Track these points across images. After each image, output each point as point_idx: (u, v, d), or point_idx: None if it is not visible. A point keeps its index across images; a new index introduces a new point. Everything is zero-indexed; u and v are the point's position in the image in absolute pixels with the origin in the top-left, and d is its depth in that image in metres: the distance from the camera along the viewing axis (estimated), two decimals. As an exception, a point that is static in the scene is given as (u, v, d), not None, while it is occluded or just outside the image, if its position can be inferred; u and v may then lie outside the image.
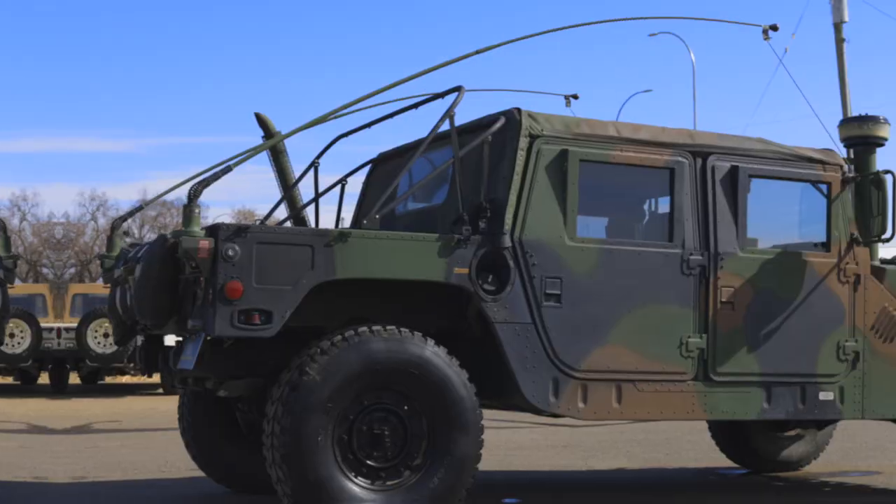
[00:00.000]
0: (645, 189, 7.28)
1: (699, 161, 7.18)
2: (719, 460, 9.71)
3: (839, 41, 24.79)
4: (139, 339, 7.82)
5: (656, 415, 7.07)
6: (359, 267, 6.34)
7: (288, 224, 8.16)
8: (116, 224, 8.17)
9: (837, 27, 24.77)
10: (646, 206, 7.44)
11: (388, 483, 6.36)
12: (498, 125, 6.81)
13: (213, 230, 6.14)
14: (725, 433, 9.47)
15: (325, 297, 6.51)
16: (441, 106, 6.85)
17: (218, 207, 73.19)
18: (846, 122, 8.04)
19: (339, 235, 6.30)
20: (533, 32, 7.56)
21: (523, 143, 6.76)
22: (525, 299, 6.65)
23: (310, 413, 6.16)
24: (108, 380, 21.77)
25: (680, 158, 7.11)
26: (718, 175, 7.20)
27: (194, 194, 6.25)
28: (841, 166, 7.57)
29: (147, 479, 8.84)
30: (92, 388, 20.91)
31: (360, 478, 6.30)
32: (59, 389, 18.62)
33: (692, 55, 39.73)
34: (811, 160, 7.50)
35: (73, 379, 20.59)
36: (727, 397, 7.17)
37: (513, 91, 9.90)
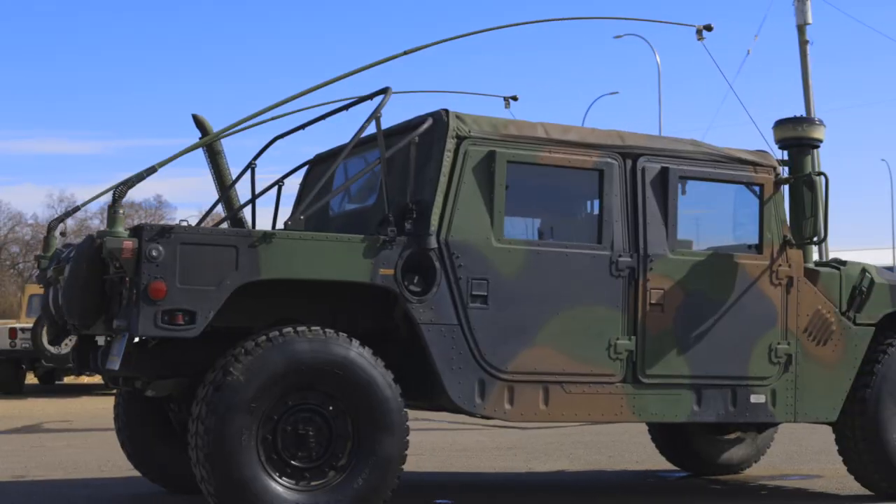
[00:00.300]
0: (574, 190, 7.27)
1: (629, 162, 7.18)
2: (663, 463, 9.72)
3: (803, 43, 24.94)
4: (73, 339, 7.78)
5: (584, 417, 7.07)
6: (283, 268, 6.31)
7: (225, 225, 8.13)
8: (52, 225, 8.13)
9: (801, 29, 24.92)
10: (575, 208, 7.43)
11: (313, 483, 6.35)
12: (425, 126, 6.80)
13: (137, 231, 6.12)
14: (665, 436, 9.47)
15: (253, 297, 6.49)
16: (373, 107, 6.83)
17: (186, 209, 73.10)
18: (780, 123, 8.06)
19: (264, 236, 6.28)
20: (467, 32, 7.56)
21: (450, 144, 6.75)
22: (451, 300, 6.64)
23: (233, 413, 6.13)
24: (68, 380, 21.64)
25: (609, 160, 7.11)
26: (648, 176, 7.21)
27: (118, 195, 6.22)
28: (774, 168, 7.58)
29: (85, 478, 8.80)
30: (50, 388, 20.78)
31: (284, 478, 6.28)
32: (14, 389, 18.50)
33: (658, 57, 39.83)
34: (744, 162, 7.51)
35: (32, 379, 20.50)
36: (656, 399, 7.17)
37: (451, 92, 9.82)
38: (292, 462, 6.32)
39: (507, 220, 6.91)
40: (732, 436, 9.38)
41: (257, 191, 8.16)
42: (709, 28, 7.59)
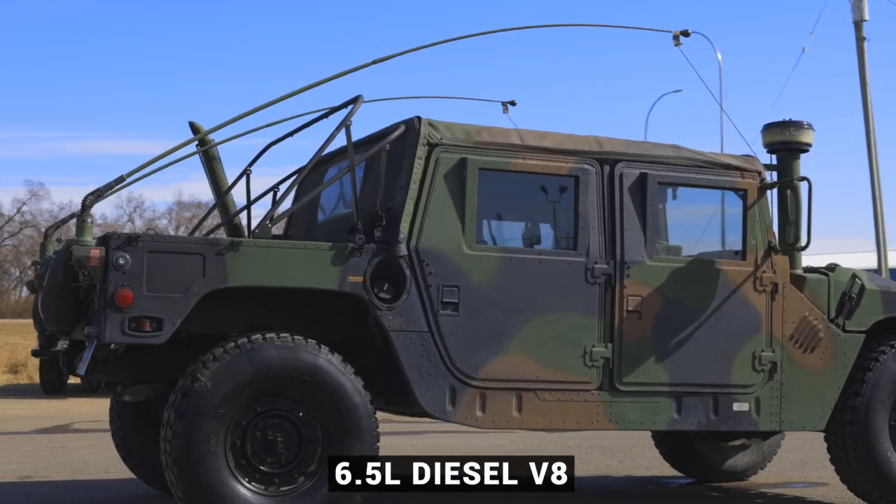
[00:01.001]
0: (549, 197, 7.22)
1: (606, 168, 7.13)
2: (672, 470, 9.63)
3: (859, 40, 24.57)
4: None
5: (559, 424, 7.04)
6: (250, 275, 6.37)
7: (221, 231, 8.23)
8: (49, 231, 8.28)
9: (858, 25, 24.54)
10: (550, 215, 7.39)
11: (283, 489, 6.40)
12: (396, 133, 6.82)
13: (105, 239, 6.21)
14: (668, 442, 9.41)
15: (228, 305, 6.57)
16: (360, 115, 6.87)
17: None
18: (768, 127, 7.94)
19: (231, 244, 6.35)
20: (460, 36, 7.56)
21: (421, 151, 6.75)
22: (421, 307, 6.65)
23: (201, 419, 6.21)
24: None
25: (585, 166, 7.07)
26: (627, 182, 7.16)
27: (87, 205, 6.32)
28: (759, 173, 7.49)
29: (88, 479, 8.95)
30: (91, 389, 21.00)
31: (253, 483, 6.34)
32: (56, 389, 18.77)
33: (719, 56, 39.43)
34: (727, 167, 7.43)
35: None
36: (634, 407, 7.12)
37: (451, 98, 9.84)
38: (261, 467, 6.38)
39: (482, 227, 6.92)
40: (737, 442, 9.29)
41: (252, 197, 8.25)
42: (686, 34, 7.51)
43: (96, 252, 6.14)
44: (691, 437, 9.14)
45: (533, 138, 7.06)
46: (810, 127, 7.90)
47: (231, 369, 6.27)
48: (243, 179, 8.18)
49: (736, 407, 7.35)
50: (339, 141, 6.91)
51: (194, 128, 8.21)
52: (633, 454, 11.02)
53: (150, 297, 6.19)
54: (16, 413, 15.62)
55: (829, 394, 7.59)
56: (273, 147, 8.24)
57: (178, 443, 6.20)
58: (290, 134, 7.92)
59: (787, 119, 7.85)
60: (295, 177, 7.68)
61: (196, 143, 8.01)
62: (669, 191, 7.54)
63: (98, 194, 6.40)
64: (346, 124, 6.69)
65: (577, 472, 9.58)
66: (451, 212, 6.76)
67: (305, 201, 7.12)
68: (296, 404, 6.43)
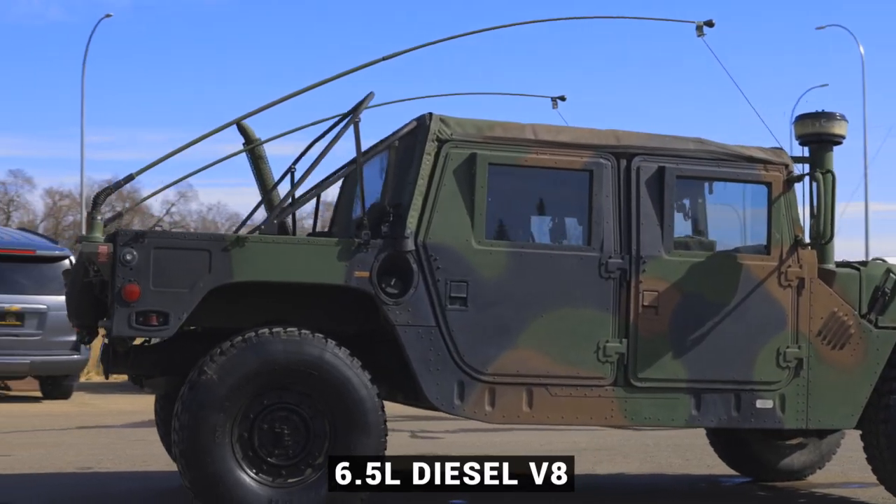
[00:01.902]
0: (563, 192, 7.20)
1: (623, 163, 7.06)
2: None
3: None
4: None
5: (572, 420, 7.01)
6: (255, 270, 6.50)
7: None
8: (99, 199, 8.43)
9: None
10: (564, 210, 7.35)
11: (290, 480, 6.52)
12: (407, 129, 6.89)
13: (113, 236, 6.41)
14: (722, 441, 9.25)
15: (243, 300, 6.72)
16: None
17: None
18: (800, 118, 7.74)
19: (236, 240, 6.49)
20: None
21: (431, 147, 6.79)
22: (429, 302, 6.70)
23: (206, 411, 6.37)
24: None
25: (600, 160, 7.01)
26: (644, 176, 7.08)
27: (98, 202, 6.54)
28: (786, 166, 7.32)
29: (143, 471, 9.21)
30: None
31: (261, 474, 6.47)
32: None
33: (861, 49, 38.51)
34: (752, 160, 7.28)
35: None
36: (650, 403, 7.05)
37: (498, 94, 9.93)
38: (269, 459, 6.51)
39: (493, 222, 6.93)
40: (794, 441, 9.09)
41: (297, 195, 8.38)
42: (710, 24, 7.36)
43: (104, 248, 6.34)
44: (746, 436, 8.97)
45: (548, 133, 7.04)
46: (843, 118, 7.68)
47: (236, 363, 6.41)
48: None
49: (759, 404, 7.21)
50: (373, 137, 7.00)
51: (242, 128, 8.39)
52: (699, 452, 10.84)
53: (156, 291, 6.37)
54: (119, 408, 16.12)
55: (860, 392, 7.38)
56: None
57: (184, 434, 6.37)
58: (323, 135, 8.01)
59: (820, 111, 7.65)
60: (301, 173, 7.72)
61: (244, 142, 8.21)
62: (706, 185, 7.42)
63: (108, 192, 6.62)
64: (354, 121, 6.77)
65: (634, 471, 9.56)
66: (461, 207, 6.79)
67: (309, 199, 7.19)
68: (303, 398, 6.54)
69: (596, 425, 7.22)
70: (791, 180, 7.30)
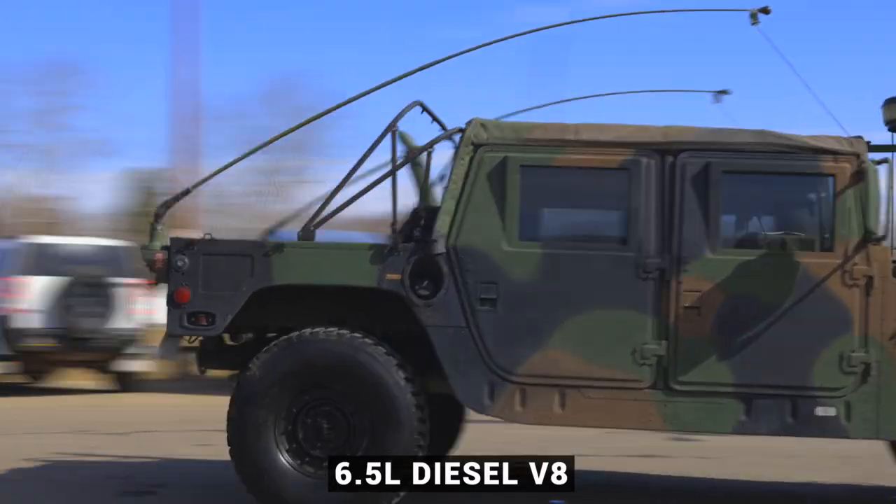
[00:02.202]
0: (600, 191, 7.04)
1: (669, 159, 6.84)
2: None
3: None
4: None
5: (607, 423, 6.90)
6: (293, 274, 6.95)
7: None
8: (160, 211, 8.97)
9: None
10: (601, 209, 7.19)
11: None
12: (443, 136, 7.07)
13: (169, 244, 7.08)
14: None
15: (306, 301, 7.21)
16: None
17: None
18: (889, 102, 7.09)
19: (276, 246, 6.96)
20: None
21: (465, 151, 6.93)
22: (459, 303, 6.84)
23: (249, 405, 6.91)
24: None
25: (641, 158, 6.84)
26: (690, 173, 6.82)
27: (158, 214, 7.21)
28: (857, 155, 6.78)
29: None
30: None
31: (304, 466, 6.93)
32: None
33: None
34: (818, 150, 6.81)
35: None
36: (692, 408, 6.79)
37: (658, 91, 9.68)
38: (311, 452, 6.95)
39: (527, 222, 6.95)
40: None
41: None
42: (766, 11, 6.93)
43: (160, 255, 7.02)
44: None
45: (590, 132, 6.96)
46: None
47: (276, 361, 6.91)
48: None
49: (820, 412, 6.74)
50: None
51: (402, 137, 8.68)
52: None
53: (204, 294, 6.97)
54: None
55: None
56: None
57: (232, 426, 6.94)
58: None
59: (903, 95, 7.00)
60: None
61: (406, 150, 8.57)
62: (771, 179, 7.02)
63: (168, 205, 7.29)
64: (392, 129, 7.04)
65: (830, 481, 9.04)
66: (493, 210, 6.87)
67: (346, 206, 7.49)
68: (342, 395, 6.91)
69: (633, 428, 7.01)
70: (861, 172, 6.76)
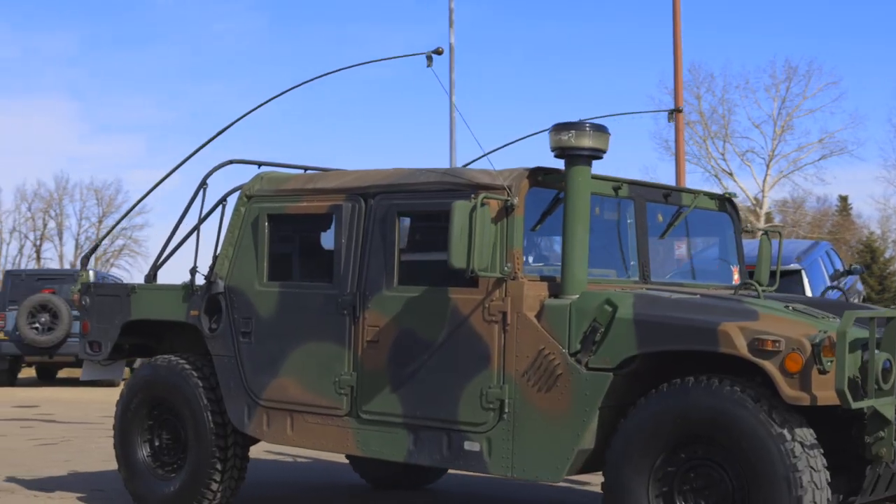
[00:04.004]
0: (317, 235, 7.67)
1: (369, 203, 7.31)
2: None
3: None
4: None
5: (320, 446, 7.53)
6: (139, 311, 8.49)
7: None
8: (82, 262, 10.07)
9: None
10: (319, 250, 7.72)
11: None
12: (232, 190, 8.16)
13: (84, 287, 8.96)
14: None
15: (156, 330, 8.75)
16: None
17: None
18: (556, 128, 6.66)
19: (132, 288, 8.57)
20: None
21: (241, 202, 8.00)
22: (231, 336, 7.92)
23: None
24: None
25: (346, 203, 7.38)
26: (378, 215, 7.25)
27: (83, 263, 9.10)
28: (508, 189, 6.69)
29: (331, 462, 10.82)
30: None
31: None
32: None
33: None
34: (470, 186, 6.85)
35: None
36: (376, 436, 7.21)
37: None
38: None
39: (276, 264, 7.81)
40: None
41: None
42: (439, 52, 6.90)
43: (76, 296, 8.94)
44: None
45: (314, 181, 7.70)
46: (595, 129, 6.56)
47: None
48: None
49: (467, 446, 6.80)
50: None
51: None
52: None
53: (96, 327, 8.76)
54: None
55: (567, 441, 6.41)
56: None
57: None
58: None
59: (577, 121, 6.64)
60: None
61: None
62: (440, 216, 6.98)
63: (90, 253, 9.13)
64: (202, 186, 8.29)
65: None
66: (251, 254, 7.86)
67: (174, 251, 8.66)
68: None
69: (338, 452, 7.42)
70: (508, 207, 6.68)
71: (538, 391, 6.54)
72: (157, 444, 8.42)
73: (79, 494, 9.33)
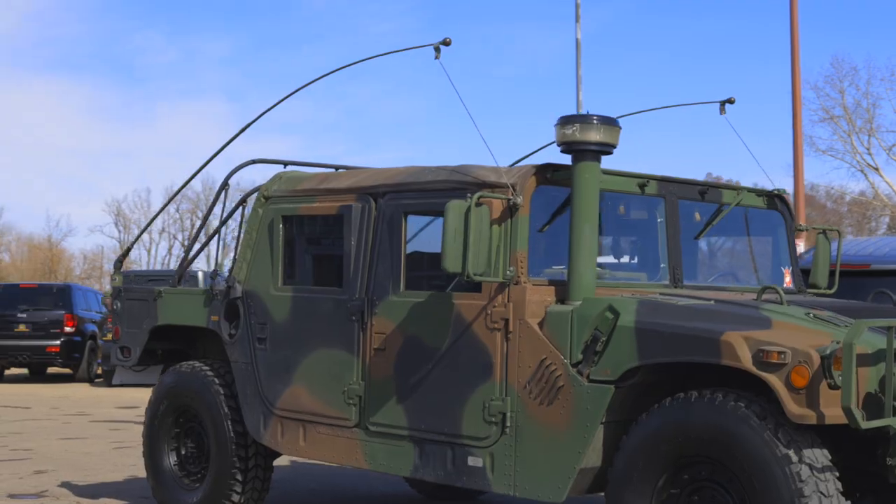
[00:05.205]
0: (330, 237, 7.27)
1: (378, 203, 6.94)
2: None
3: None
4: None
5: (332, 458, 7.19)
6: (165, 316, 8.26)
7: None
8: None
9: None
10: (331, 253, 7.31)
11: None
12: (251, 191, 7.86)
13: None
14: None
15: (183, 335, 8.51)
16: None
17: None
18: (562, 121, 6.16)
19: (159, 293, 8.34)
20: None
21: (258, 203, 7.69)
22: (248, 342, 7.63)
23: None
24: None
25: (354, 203, 7.02)
26: (387, 216, 6.87)
27: (116, 267, 8.90)
28: (512, 188, 6.23)
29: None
30: None
31: None
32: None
33: None
34: (483, 184, 6.39)
35: None
36: (383, 449, 6.83)
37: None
38: None
39: (292, 267, 7.48)
40: None
41: None
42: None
43: (108, 300, 8.78)
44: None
45: (331, 181, 7.34)
46: (603, 122, 6.04)
47: None
48: None
49: (470, 461, 6.37)
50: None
51: None
52: None
53: (126, 332, 8.56)
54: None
55: (568, 459, 5.91)
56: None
57: None
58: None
59: (583, 113, 6.14)
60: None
61: None
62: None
63: (121, 259, 8.91)
64: (224, 187, 8.01)
65: None
66: (267, 257, 7.55)
67: (198, 253, 8.35)
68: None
69: (348, 465, 6.99)
70: (513, 206, 6.22)
71: (540, 404, 6.07)
72: (183, 452, 8.19)
73: (124, 502, 9.17)
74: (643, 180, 6.74)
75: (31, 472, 10.57)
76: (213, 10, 77.98)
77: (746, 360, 5.31)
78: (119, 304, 8.61)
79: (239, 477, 7.72)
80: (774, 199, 7.53)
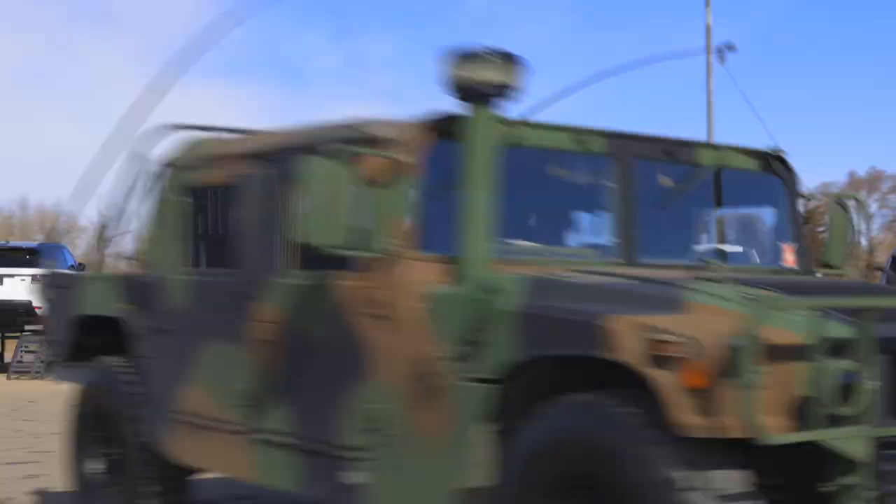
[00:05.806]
0: (227, 210, 6.10)
1: (275, 168, 5.76)
2: None
3: None
4: None
5: (225, 469, 6.22)
6: (84, 305, 7.28)
7: None
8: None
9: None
10: (230, 229, 6.11)
11: None
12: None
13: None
14: None
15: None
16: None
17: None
18: (448, 61, 4.90)
19: (79, 280, 7.41)
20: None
21: (164, 174, 6.63)
22: (153, 334, 6.61)
23: None
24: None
25: (248, 170, 5.90)
26: (280, 183, 5.67)
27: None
28: (408, 144, 5.03)
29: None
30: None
31: None
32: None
33: None
34: (373, 141, 5.19)
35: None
36: (271, 460, 5.69)
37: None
38: None
39: (193, 246, 6.43)
40: None
41: None
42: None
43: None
44: None
45: (232, 144, 6.24)
46: (499, 57, 4.78)
47: None
48: None
49: (352, 477, 5.17)
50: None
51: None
52: None
53: (54, 323, 7.64)
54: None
55: (447, 474, 4.70)
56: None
57: None
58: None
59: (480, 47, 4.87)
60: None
61: None
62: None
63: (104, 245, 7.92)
64: (138, 161, 6.98)
65: None
66: (172, 235, 6.52)
67: (115, 237, 7.28)
68: None
69: (241, 477, 5.88)
70: (404, 166, 5.02)
71: (418, 408, 4.86)
72: (104, 458, 7.21)
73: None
74: (587, 135, 5.47)
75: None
76: (373, 12, 78.60)
77: (630, 351, 3.99)
78: (52, 294, 7.70)
79: (153, 488, 6.71)
80: (772, 160, 6.16)
